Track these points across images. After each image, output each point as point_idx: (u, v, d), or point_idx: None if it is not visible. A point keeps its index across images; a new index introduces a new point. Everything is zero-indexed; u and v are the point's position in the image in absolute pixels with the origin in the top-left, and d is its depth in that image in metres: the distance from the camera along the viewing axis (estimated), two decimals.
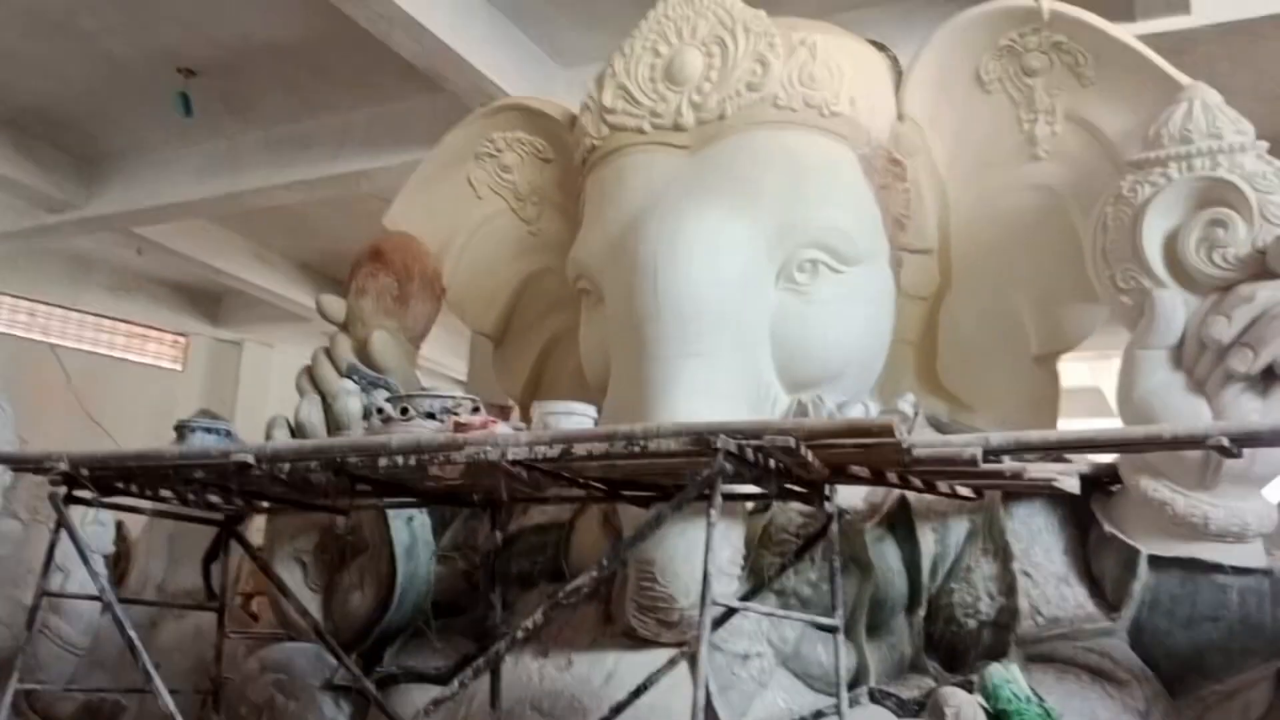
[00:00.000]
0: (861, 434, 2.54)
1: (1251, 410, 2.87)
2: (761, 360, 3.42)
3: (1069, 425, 3.51)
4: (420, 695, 3.27)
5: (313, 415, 4.00)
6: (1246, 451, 2.57)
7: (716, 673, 2.96)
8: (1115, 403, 3.17)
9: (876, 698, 3.06)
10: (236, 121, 7.71)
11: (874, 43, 3.90)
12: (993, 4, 3.61)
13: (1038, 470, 3.06)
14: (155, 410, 9.84)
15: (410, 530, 3.74)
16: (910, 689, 3.11)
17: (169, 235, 9.56)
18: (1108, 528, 3.12)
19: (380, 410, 3.20)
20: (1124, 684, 2.91)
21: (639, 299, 3.38)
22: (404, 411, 3.12)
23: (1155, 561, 3.00)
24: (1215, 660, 2.95)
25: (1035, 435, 2.79)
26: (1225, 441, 2.46)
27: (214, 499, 3.51)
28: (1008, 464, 2.82)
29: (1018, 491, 3.24)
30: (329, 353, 4.22)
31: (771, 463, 2.58)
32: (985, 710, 2.77)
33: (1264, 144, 3.07)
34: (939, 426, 3.60)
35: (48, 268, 10.87)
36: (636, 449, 2.54)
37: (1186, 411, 2.93)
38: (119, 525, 5.17)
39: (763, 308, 3.44)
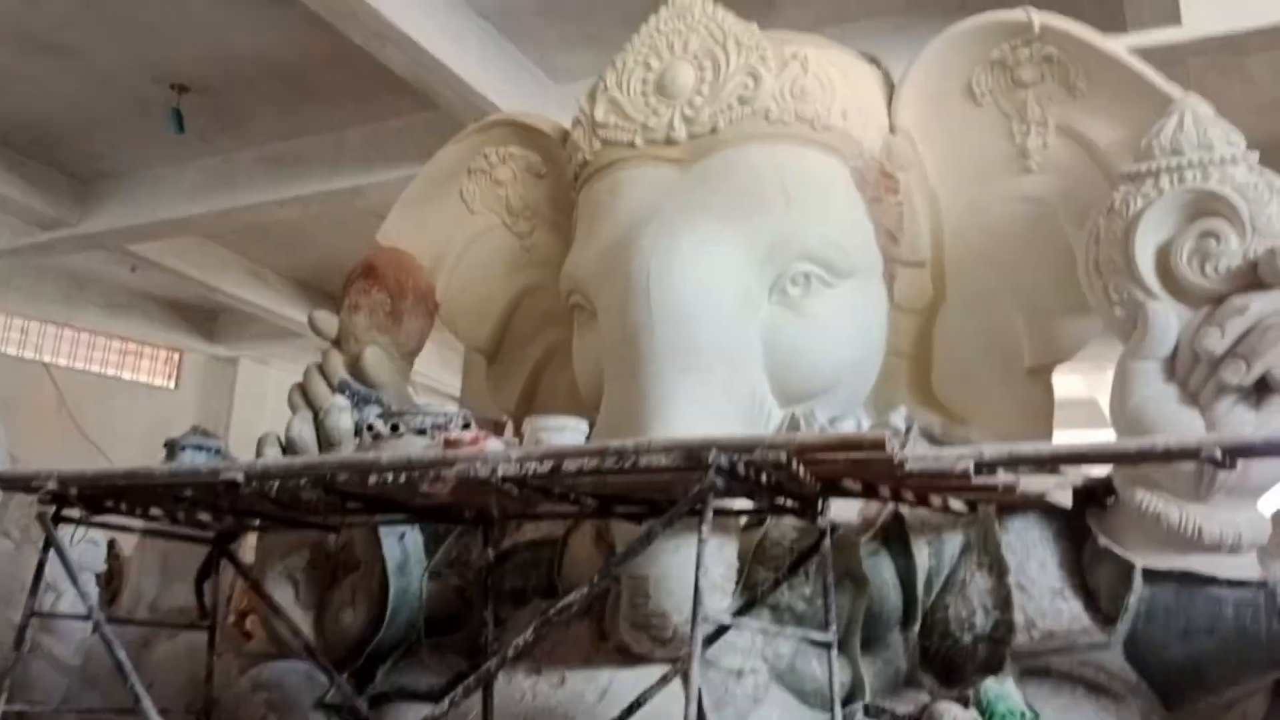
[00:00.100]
0: (854, 448, 2.53)
1: (1245, 422, 2.86)
2: (755, 374, 3.41)
3: (1064, 437, 3.49)
4: (413, 713, 3.25)
5: (304, 431, 3.99)
6: (1240, 463, 2.56)
7: (710, 689, 2.94)
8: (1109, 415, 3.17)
9: (872, 713, 3.05)
10: (231, 138, 7.70)
11: (866, 56, 3.91)
12: (984, 17, 3.62)
13: (1031, 483, 3.05)
14: (150, 428, 9.77)
15: (402, 547, 3.72)
16: (906, 704, 3.09)
17: (163, 252, 9.53)
18: (1102, 540, 3.10)
19: (371, 427, 3.19)
20: (1119, 697, 2.91)
21: (632, 314, 3.38)
22: (395, 428, 3.12)
23: (1150, 574, 2.99)
24: (1210, 673, 2.94)
25: (1028, 448, 2.78)
26: (1218, 453, 2.46)
27: (204, 517, 3.50)
28: (1001, 477, 2.81)
29: (1012, 505, 3.23)
30: (322, 368, 4.22)
31: (764, 477, 2.57)
32: None
33: (1255, 155, 3.07)
34: (933, 439, 3.58)
35: (41, 285, 10.83)
36: (628, 465, 2.53)
37: (1180, 423, 2.92)
38: (111, 543, 5.17)
39: (755, 322, 3.44)
